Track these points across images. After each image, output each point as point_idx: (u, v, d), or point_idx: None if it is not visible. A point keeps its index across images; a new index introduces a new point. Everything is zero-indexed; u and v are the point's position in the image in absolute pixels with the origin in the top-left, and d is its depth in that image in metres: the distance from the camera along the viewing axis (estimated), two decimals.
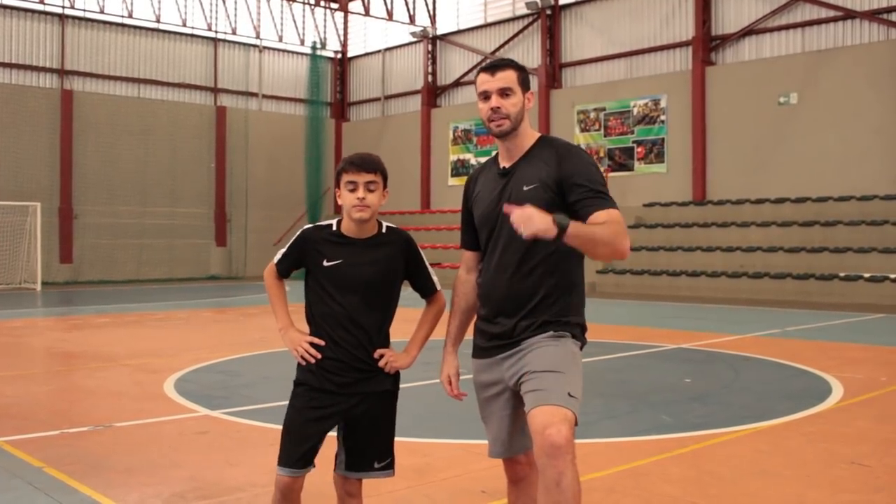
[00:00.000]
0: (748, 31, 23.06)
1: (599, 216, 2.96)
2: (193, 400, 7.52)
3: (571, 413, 2.92)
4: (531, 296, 3.15)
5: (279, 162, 31.94)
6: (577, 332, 3.21)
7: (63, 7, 27.63)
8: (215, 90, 31.37)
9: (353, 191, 3.28)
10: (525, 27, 28.18)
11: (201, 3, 30.78)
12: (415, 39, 31.31)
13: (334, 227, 3.39)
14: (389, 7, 31.16)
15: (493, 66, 3.21)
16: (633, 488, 4.83)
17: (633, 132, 24.87)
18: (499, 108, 3.17)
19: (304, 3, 30.84)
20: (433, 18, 31.35)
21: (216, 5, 31.15)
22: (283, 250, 3.46)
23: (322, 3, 31.37)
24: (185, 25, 30.40)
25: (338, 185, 3.34)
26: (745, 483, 4.95)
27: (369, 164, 3.32)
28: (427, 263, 3.53)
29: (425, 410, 6.98)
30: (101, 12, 28.46)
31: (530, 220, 2.76)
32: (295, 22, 33.33)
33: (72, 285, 26.29)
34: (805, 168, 21.27)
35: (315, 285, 3.35)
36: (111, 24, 28.89)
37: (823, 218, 20.43)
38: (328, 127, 33.59)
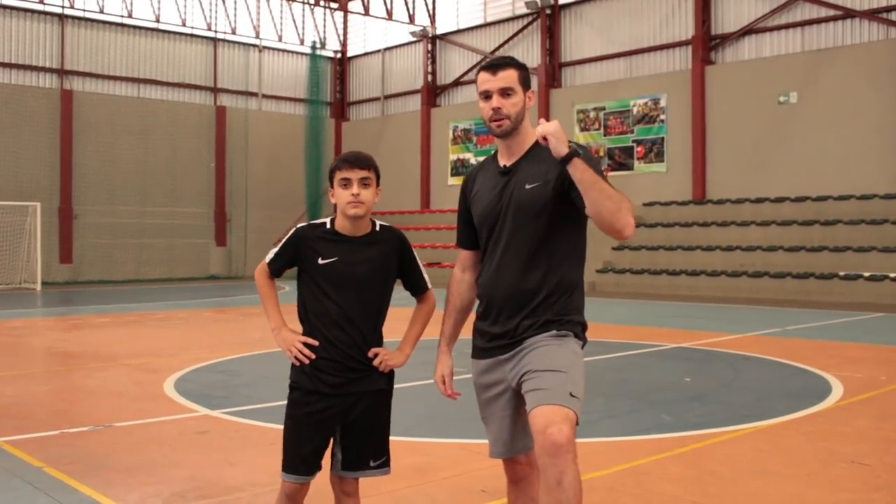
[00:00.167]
0: (748, 31, 23.06)
1: None
2: (193, 400, 7.52)
3: (573, 413, 2.92)
4: (534, 295, 3.14)
5: (279, 162, 31.94)
6: (579, 331, 3.21)
7: (63, 7, 27.63)
8: (215, 90, 31.37)
9: (346, 187, 3.28)
10: (525, 27, 28.18)
11: (201, 3, 30.77)
12: (414, 39, 31.31)
13: (328, 226, 3.39)
14: (389, 7, 31.16)
15: (495, 65, 3.19)
16: (633, 487, 4.83)
17: (632, 131, 24.87)
18: (500, 108, 3.16)
19: (303, 2, 30.85)
20: (433, 18, 31.34)
21: (216, 5, 31.15)
22: (276, 249, 3.45)
23: (322, 3, 31.38)
24: (184, 25, 30.41)
25: (331, 183, 3.35)
26: (745, 482, 4.95)
27: (363, 161, 3.33)
28: (419, 262, 3.53)
29: (426, 410, 6.98)
30: (101, 12, 28.46)
31: (556, 131, 2.94)
32: (294, 22, 33.33)
33: (72, 285, 26.29)
34: (805, 167, 21.27)
35: (310, 283, 3.34)
36: (111, 23, 28.89)
37: (823, 217, 20.44)
38: (328, 126, 33.61)
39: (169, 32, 30.19)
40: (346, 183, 3.28)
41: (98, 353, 10.77)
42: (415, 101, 31.85)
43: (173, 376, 8.76)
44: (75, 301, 20.63)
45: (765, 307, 17.35)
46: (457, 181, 29.23)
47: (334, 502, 3.46)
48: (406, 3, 31.30)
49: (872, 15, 20.88)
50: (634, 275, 22.23)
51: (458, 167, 29.73)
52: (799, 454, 5.61)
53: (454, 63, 30.72)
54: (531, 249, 3.13)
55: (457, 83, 30.52)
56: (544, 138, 3.00)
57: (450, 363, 3.42)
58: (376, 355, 3.33)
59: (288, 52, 33.34)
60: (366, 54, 34.33)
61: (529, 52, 27.79)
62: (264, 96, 32.79)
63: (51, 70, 27.76)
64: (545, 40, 27.16)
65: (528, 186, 3.13)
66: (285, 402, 3.41)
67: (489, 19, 29.64)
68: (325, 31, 34.27)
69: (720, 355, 10.38)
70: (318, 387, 3.29)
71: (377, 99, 33.89)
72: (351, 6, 32.00)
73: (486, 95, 3.19)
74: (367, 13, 31.29)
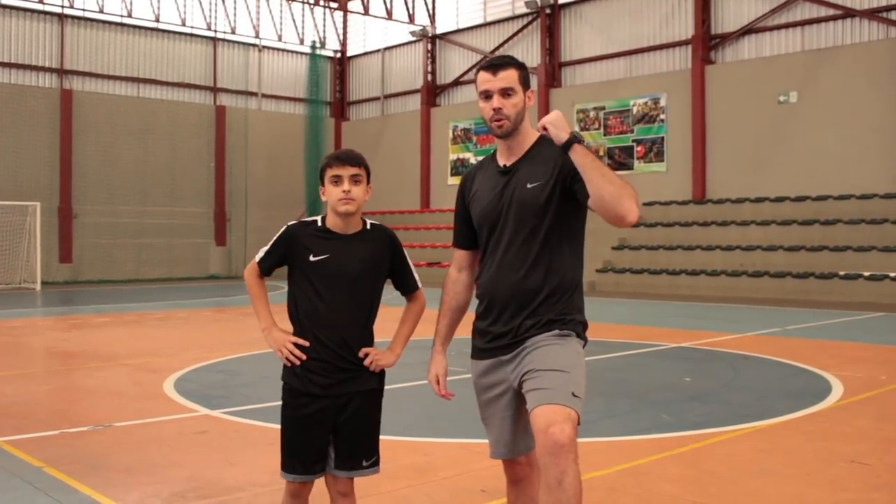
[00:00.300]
0: (748, 30, 23.06)
1: None
2: (193, 399, 7.52)
3: (575, 413, 2.92)
4: (536, 294, 3.13)
5: (279, 161, 31.94)
6: (581, 330, 3.20)
7: (62, 7, 27.63)
8: (215, 90, 31.36)
9: (337, 184, 3.28)
10: (525, 26, 28.18)
11: (200, 3, 30.77)
12: (414, 38, 31.31)
13: (319, 223, 3.39)
14: (389, 6, 31.16)
15: (495, 65, 3.18)
16: (633, 487, 4.83)
17: (632, 131, 24.88)
18: (501, 108, 3.15)
19: (303, 2, 30.86)
20: (432, 17, 31.34)
21: (215, 5, 31.15)
22: (266, 248, 3.44)
23: (321, 3, 31.39)
24: (184, 25, 30.41)
25: (322, 181, 3.35)
26: (745, 482, 4.95)
27: (353, 158, 3.33)
28: (410, 261, 3.53)
29: (425, 410, 6.98)
30: (101, 12, 28.46)
31: (552, 119, 3.04)
32: (294, 21, 33.33)
33: (71, 285, 26.29)
34: (805, 167, 21.27)
35: (301, 281, 3.33)
36: (110, 23, 28.89)
37: (823, 216, 20.44)
38: (328, 126, 33.62)
39: (168, 32, 30.19)
40: (337, 180, 3.29)
41: (98, 352, 10.77)
42: (415, 101, 31.84)
43: (173, 376, 8.75)
44: (75, 301, 20.63)
45: (765, 307, 17.35)
46: (457, 181, 29.21)
47: (330, 503, 3.46)
48: (406, 3, 31.30)
49: (872, 14, 20.88)
50: (634, 274, 22.23)
51: (458, 167, 29.73)
52: (799, 454, 5.60)
53: (454, 63, 30.71)
54: (532, 249, 3.13)
55: (457, 83, 30.52)
56: (545, 128, 3.01)
57: (444, 363, 3.41)
58: (367, 355, 3.33)
59: (288, 51, 33.34)
60: (365, 54, 34.33)
61: (529, 51, 27.79)
62: (264, 96, 32.79)
63: (50, 70, 27.76)
64: (545, 40, 27.16)
65: (529, 185, 3.13)
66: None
67: (489, 19, 29.64)
68: (324, 31, 34.27)
69: (720, 355, 10.38)
70: (309, 388, 3.28)
71: (377, 99, 33.89)
72: (351, 6, 32.00)
73: (487, 95, 3.18)
74: (366, 13, 31.29)
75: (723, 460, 5.45)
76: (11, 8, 26.97)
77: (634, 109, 24.85)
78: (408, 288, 3.53)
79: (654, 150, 24.41)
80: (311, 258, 3.30)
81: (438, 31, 31.16)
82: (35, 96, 26.89)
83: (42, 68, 27.62)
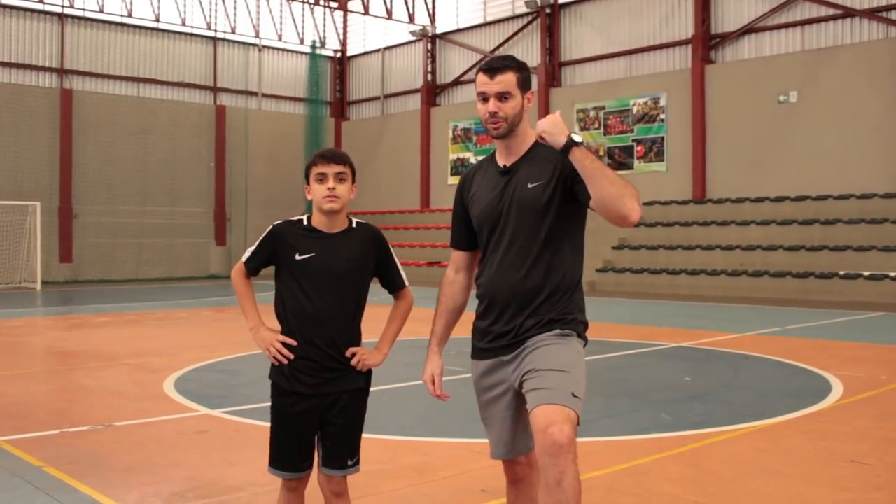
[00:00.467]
0: (748, 30, 23.06)
1: None
2: (193, 399, 7.52)
3: (574, 413, 2.92)
4: (537, 294, 3.13)
5: (279, 161, 31.94)
6: (582, 330, 3.20)
7: (62, 6, 27.63)
8: (215, 89, 31.36)
9: (322, 182, 3.29)
10: (525, 26, 28.17)
11: (200, 3, 30.77)
12: (414, 38, 31.30)
13: (305, 222, 3.40)
14: (389, 6, 31.16)
15: (493, 68, 3.16)
16: (632, 487, 4.83)
17: (632, 131, 24.87)
18: (496, 112, 3.15)
19: (303, 2, 30.86)
20: (432, 17, 31.34)
21: (215, 4, 31.15)
22: (253, 248, 3.45)
23: (321, 3, 31.39)
24: (184, 25, 30.40)
25: (307, 180, 3.36)
26: (745, 482, 4.95)
27: (338, 157, 3.34)
28: (396, 259, 3.53)
29: (425, 410, 6.99)
30: (101, 11, 28.46)
31: (554, 126, 3.02)
32: (294, 21, 33.32)
33: (71, 284, 26.29)
34: (805, 166, 21.27)
35: (288, 280, 3.34)
36: (110, 23, 28.89)
37: (823, 216, 20.44)
38: (328, 126, 33.63)
39: (169, 32, 30.18)
40: (322, 178, 3.30)
41: (98, 352, 10.77)
42: (415, 101, 31.84)
43: (173, 376, 8.76)
44: (75, 300, 20.63)
45: (765, 306, 17.35)
46: (457, 180, 29.06)
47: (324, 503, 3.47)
48: (406, 3, 31.30)
49: (872, 14, 20.87)
50: (634, 274, 22.23)
51: (458, 166, 29.73)
52: (799, 453, 5.60)
53: (454, 62, 30.71)
54: (533, 248, 3.13)
55: (457, 82, 30.51)
56: (542, 137, 3.01)
57: (440, 363, 3.39)
58: (354, 354, 3.33)
59: (288, 51, 33.34)
60: (365, 53, 34.33)
61: (529, 51, 27.79)
62: (264, 96, 32.78)
63: (51, 69, 27.76)
64: (545, 39, 27.16)
65: (530, 185, 3.13)
66: None
67: (489, 18, 29.63)
68: (324, 31, 34.26)
69: (720, 354, 10.38)
70: (296, 387, 3.30)
71: (377, 98, 33.88)
72: (351, 5, 32.00)
73: (484, 98, 3.17)
74: (366, 12, 31.29)
75: (723, 460, 5.45)
76: (11, 8, 26.97)
77: (634, 109, 24.84)
78: (395, 286, 3.53)
79: (654, 150, 24.41)
80: (297, 257, 3.31)
81: (438, 31, 31.16)
82: (35, 96, 26.89)
83: (42, 68, 27.62)
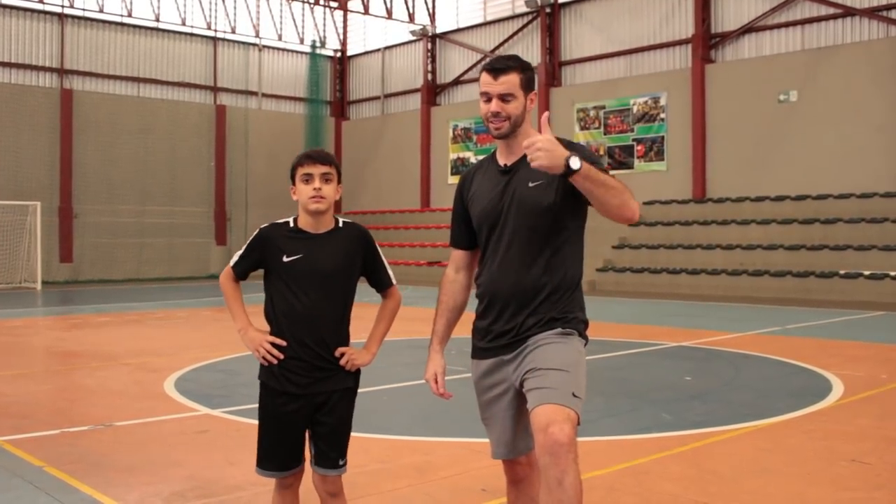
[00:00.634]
0: (748, 29, 23.05)
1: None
2: (193, 399, 7.52)
3: (574, 413, 2.92)
4: (537, 292, 3.13)
5: (279, 160, 31.86)
6: (582, 329, 3.20)
7: (62, 6, 27.62)
8: (215, 89, 31.36)
9: (308, 182, 3.32)
10: (525, 25, 28.17)
11: (200, 3, 30.77)
12: (414, 38, 31.30)
13: (292, 224, 3.41)
14: (389, 5, 31.15)
15: (497, 68, 3.15)
16: (633, 486, 4.83)
17: (632, 130, 24.87)
18: (499, 112, 3.15)
19: (303, 1, 30.86)
20: (433, 17, 31.33)
21: (215, 4, 31.14)
22: (241, 252, 3.47)
23: (321, 2, 31.38)
24: (184, 24, 30.40)
25: (293, 180, 3.38)
26: (746, 481, 4.95)
27: (323, 157, 3.38)
28: (384, 258, 3.54)
29: (426, 409, 6.98)
30: (101, 11, 28.46)
31: (548, 154, 2.79)
32: (294, 21, 33.32)
33: (72, 284, 26.29)
34: (805, 166, 21.26)
35: (276, 282, 3.35)
36: (111, 23, 28.88)
37: (823, 215, 20.43)
38: (328, 125, 33.63)
39: (169, 32, 30.17)
40: (308, 178, 3.33)
41: (98, 352, 10.77)
42: (415, 100, 31.84)
43: (173, 375, 8.76)
44: (75, 300, 20.63)
45: (765, 306, 17.35)
46: (457, 180, 29.15)
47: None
48: (406, 2, 31.29)
49: (872, 13, 20.87)
50: (635, 273, 22.23)
51: (459, 166, 29.73)
52: (800, 453, 5.60)
53: (454, 62, 30.71)
54: (534, 247, 3.13)
55: (457, 82, 30.51)
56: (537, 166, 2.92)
57: (442, 362, 3.39)
58: (343, 354, 3.34)
59: (288, 51, 33.33)
60: (365, 53, 34.32)
61: (529, 50, 27.78)
62: (264, 95, 32.78)
63: (51, 69, 27.76)
64: (545, 39, 27.15)
65: (531, 185, 3.12)
66: None
67: (489, 18, 29.62)
68: (324, 30, 34.26)
69: (721, 354, 10.38)
70: (286, 387, 3.31)
71: (377, 98, 33.88)
72: (351, 5, 31.99)
73: (487, 98, 3.17)
74: (366, 12, 31.28)
75: (724, 459, 5.45)
76: (11, 8, 26.96)
77: (634, 108, 24.84)
78: (382, 285, 3.54)
79: (655, 150, 24.40)
80: (285, 259, 3.33)
81: (438, 31, 31.15)
82: (35, 96, 26.89)
83: (42, 68, 27.61)
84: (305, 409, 3.31)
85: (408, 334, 11.50)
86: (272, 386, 3.34)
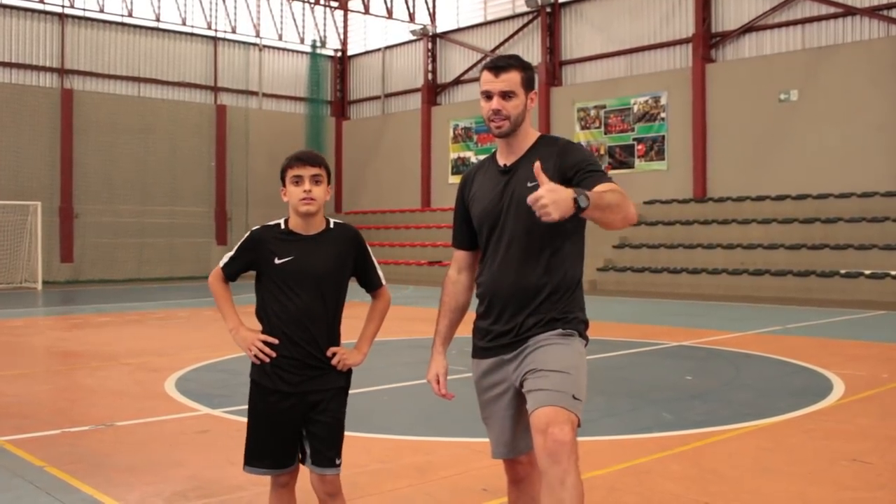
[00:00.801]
0: (748, 28, 23.04)
1: (601, 188, 2.95)
2: (194, 399, 7.52)
3: (575, 415, 2.92)
4: (537, 292, 3.13)
5: (279, 160, 30.76)
6: (583, 329, 3.20)
7: (63, 6, 27.62)
8: (215, 89, 31.36)
9: (298, 184, 3.33)
10: (525, 25, 28.16)
11: (201, 2, 30.77)
12: (415, 37, 31.29)
13: (283, 226, 3.43)
14: (389, 5, 31.14)
15: (498, 66, 3.16)
16: (634, 486, 4.83)
17: (633, 129, 24.86)
18: (500, 110, 3.15)
19: (303, 1, 30.85)
20: (433, 16, 31.33)
21: (216, 4, 31.14)
22: (231, 253, 3.48)
23: (322, 2, 31.36)
24: (184, 24, 30.40)
25: (283, 182, 3.39)
26: (747, 480, 4.95)
27: (314, 159, 3.38)
28: (374, 258, 3.55)
29: (426, 409, 6.98)
30: (101, 11, 28.46)
31: (556, 205, 2.65)
32: (295, 20, 33.32)
33: (72, 284, 26.29)
34: (806, 165, 21.26)
35: (268, 283, 3.38)
36: (111, 23, 28.89)
37: (824, 215, 20.43)
38: (328, 125, 33.64)
39: (169, 31, 30.18)
40: (298, 180, 3.34)
41: (99, 352, 10.77)
42: (415, 100, 31.84)
43: (174, 375, 8.76)
44: (76, 300, 20.63)
45: (766, 305, 17.35)
46: (457, 179, 29.10)
47: None
48: (406, 2, 31.28)
49: (873, 12, 20.86)
50: (635, 273, 22.23)
51: (459, 165, 29.72)
52: (801, 452, 5.60)
53: (454, 61, 30.70)
54: (534, 247, 3.13)
55: (457, 81, 30.51)
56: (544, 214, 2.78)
57: (444, 363, 3.40)
58: (334, 354, 3.36)
59: (288, 50, 33.33)
60: (366, 53, 34.32)
61: (530, 50, 27.78)
62: (264, 95, 32.78)
63: (51, 69, 27.76)
64: (545, 38, 27.15)
65: (530, 185, 3.12)
66: None
67: (489, 17, 29.62)
68: (325, 30, 34.26)
69: (721, 353, 10.37)
70: (278, 385, 3.34)
71: (377, 97, 33.88)
72: (351, 5, 31.98)
73: (487, 96, 3.18)
74: (367, 12, 31.27)
75: (724, 459, 5.45)
76: (12, 8, 26.97)
77: (635, 108, 24.83)
78: (372, 286, 3.57)
79: (655, 149, 24.40)
80: (277, 261, 3.35)
81: (439, 30, 31.15)
82: (36, 96, 26.90)
83: (43, 68, 27.62)
84: (298, 407, 3.33)
85: (408, 334, 11.50)
86: (264, 384, 3.37)
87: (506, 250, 3.18)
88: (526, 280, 3.13)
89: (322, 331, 3.34)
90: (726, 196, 22.62)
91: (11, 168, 26.00)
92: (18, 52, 27.16)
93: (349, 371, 3.44)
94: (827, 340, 11.64)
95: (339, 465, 3.38)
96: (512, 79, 3.14)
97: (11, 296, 21.61)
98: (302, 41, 33.41)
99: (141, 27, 29.46)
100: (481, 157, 3.47)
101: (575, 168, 3.06)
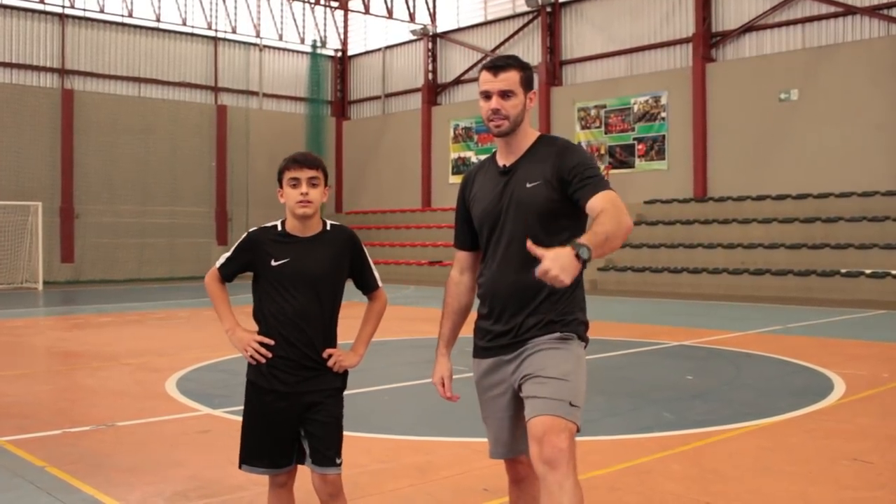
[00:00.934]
0: (748, 28, 23.04)
1: (596, 204, 2.93)
2: (195, 399, 7.52)
3: (573, 424, 2.92)
4: (537, 292, 3.12)
5: (280, 160, 31.00)
6: (582, 331, 3.19)
7: (63, 7, 27.63)
8: (216, 89, 31.37)
9: (295, 186, 3.33)
10: (525, 24, 28.17)
11: (201, 2, 30.77)
12: (415, 37, 31.30)
13: (279, 228, 3.43)
14: (389, 5, 31.14)
15: (497, 66, 3.16)
16: (635, 486, 4.83)
17: (633, 129, 24.86)
18: (499, 109, 3.15)
19: (304, 1, 30.85)
20: (433, 16, 31.33)
21: (216, 4, 31.15)
22: (228, 254, 3.49)
23: (322, 2, 31.37)
24: (185, 24, 30.41)
25: (280, 184, 3.39)
26: (748, 480, 4.95)
27: (311, 161, 3.38)
28: (370, 260, 3.56)
29: (427, 409, 6.98)
30: (102, 11, 28.47)
31: (564, 271, 2.59)
32: (295, 20, 33.33)
33: (73, 284, 26.30)
34: (806, 164, 21.26)
35: (265, 285, 3.39)
36: (111, 23, 28.91)
37: (825, 214, 20.42)
38: (329, 125, 33.64)
39: (169, 32, 30.19)
40: (295, 182, 3.34)
41: (99, 352, 10.78)
42: (415, 100, 31.84)
43: (175, 375, 8.76)
44: (77, 300, 20.64)
45: (766, 305, 17.34)
46: (458, 179, 29.19)
47: None
48: (406, 2, 31.29)
49: (873, 12, 20.86)
50: (636, 273, 22.23)
51: (459, 165, 29.72)
52: (801, 452, 5.60)
53: (455, 61, 30.71)
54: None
55: (457, 81, 30.51)
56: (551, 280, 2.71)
57: (449, 365, 3.40)
58: (331, 356, 3.37)
59: (288, 50, 33.34)
60: (366, 53, 34.33)
61: (530, 50, 27.78)
62: (265, 95, 32.79)
63: (51, 70, 27.77)
64: (546, 38, 27.15)
65: (528, 185, 3.12)
66: None
67: (490, 17, 29.62)
68: (325, 30, 34.26)
69: (722, 353, 10.37)
70: (274, 385, 3.34)
71: (378, 97, 33.89)
72: (351, 5, 31.98)
73: (486, 95, 3.18)
74: (367, 12, 31.28)
75: (725, 458, 5.45)
76: (12, 8, 26.98)
77: (635, 107, 24.83)
78: (368, 287, 3.58)
79: (656, 149, 24.39)
80: (273, 263, 3.36)
81: (439, 30, 31.16)
82: (36, 96, 26.91)
83: (43, 68, 27.64)
84: (294, 407, 3.34)
85: (409, 334, 11.50)
86: (260, 384, 3.38)
87: (505, 250, 3.17)
88: (525, 280, 3.12)
89: (318, 332, 3.36)
90: (727, 196, 22.62)
91: (12, 168, 26.01)
92: (19, 52, 27.18)
93: (345, 372, 3.45)
94: (827, 340, 11.63)
95: (339, 465, 3.39)
96: (511, 78, 3.14)
97: (12, 296, 21.61)
98: (302, 41, 33.42)
99: (141, 27, 29.47)
100: (482, 157, 3.48)
101: (573, 173, 3.05)
